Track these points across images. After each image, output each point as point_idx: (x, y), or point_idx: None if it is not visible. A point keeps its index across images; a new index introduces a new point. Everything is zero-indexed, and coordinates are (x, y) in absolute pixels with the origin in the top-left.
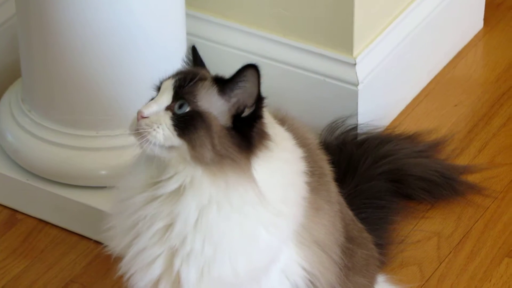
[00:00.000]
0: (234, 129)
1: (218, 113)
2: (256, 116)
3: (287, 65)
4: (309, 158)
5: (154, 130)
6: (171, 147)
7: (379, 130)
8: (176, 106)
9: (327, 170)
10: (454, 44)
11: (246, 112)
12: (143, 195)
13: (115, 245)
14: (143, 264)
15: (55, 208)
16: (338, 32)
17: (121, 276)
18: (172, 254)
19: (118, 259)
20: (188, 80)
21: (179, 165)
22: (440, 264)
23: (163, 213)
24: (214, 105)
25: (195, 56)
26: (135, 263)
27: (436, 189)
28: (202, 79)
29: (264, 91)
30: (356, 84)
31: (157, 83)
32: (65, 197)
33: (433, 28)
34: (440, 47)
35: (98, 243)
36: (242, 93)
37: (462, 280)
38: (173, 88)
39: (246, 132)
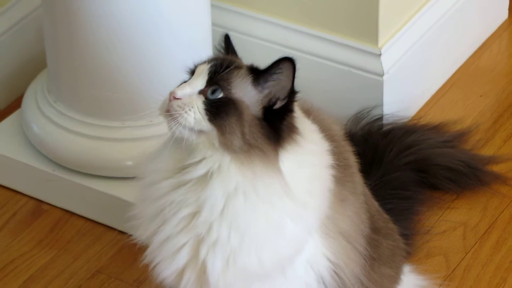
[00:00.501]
0: (265, 121)
1: (250, 103)
2: (288, 109)
3: (312, 55)
4: (335, 150)
5: (186, 112)
6: (200, 131)
7: (404, 120)
8: (209, 91)
9: (353, 161)
10: (479, 34)
11: (278, 105)
12: (169, 181)
13: (140, 233)
14: (169, 253)
15: (81, 199)
16: (363, 22)
17: (147, 266)
18: (198, 243)
19: (144, 248)
20: (224, 67)
21: (207, 150)
22: (466, 254)
23: (189, 199)
24: (247, 94)
25: (227, 45)
26: (161, 252)
27: (461, 179)
28: (238, 67)
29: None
30: (382, 75)
31: (192, 66)
32: (90, 188)
33: (457, 19)
34: (465, 37)
35: (124, 233)
36: (276, 85)
37: (488, 270)
38: (208, 73)
39: (276, 124)
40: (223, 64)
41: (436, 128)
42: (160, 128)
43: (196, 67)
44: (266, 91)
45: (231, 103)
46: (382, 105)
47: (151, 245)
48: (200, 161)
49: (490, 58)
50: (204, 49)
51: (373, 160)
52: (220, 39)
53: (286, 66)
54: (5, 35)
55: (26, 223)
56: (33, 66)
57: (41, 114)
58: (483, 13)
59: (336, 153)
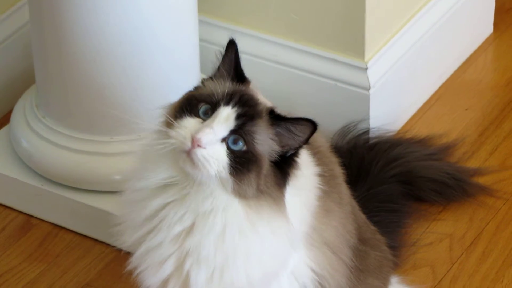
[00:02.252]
0: (276, 166)
1: (269, 154)
2: (297, 155)
3: (299, 70)
4: (320, 161)
5: (209, 165)
6: (218, 178)
7: (391, 134)
8: (231, 139)
9: (338, 172)
10: (464, 48)
11: (290, 152)
12: (163, 197)
13: (125, 239)
14: (155, 262)
15: (70, 213)
16: (350, 37)
17: (136, 280)
18: (184, 255)
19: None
20: (249, 118)
21: (216, 189)
22: (453, 265)
23: (186, 220)
24: (268, 147)
25: (233, 52)
26: (147, 260)
27: (447, 191)
28: (261, 116)
29: (276, 96)
30: (368, 89)
31: (207, 88)
32: (79, 202)
33: (443, 33)
34: (450, 51)
35: (112, 247)
36: (293, 140)
37: (474, 281)
38: (235, 125)
39: (284, 168)
40: (249, 114)
41: (422, 141)
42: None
43: (216, 102)
44: (283, 142)
45: (254, 159)
46: (368, 118)
47: (136, 252)
48: (207, 197)
49: (476, 72)
50: (192, 64)
51: (360, 173)
52: (225, 46)
53: (308, 129)
54: None
55: (15, 237)
56: (21, 82)
57: (30, 129)
58: (468, 27)
59: (321, 164)
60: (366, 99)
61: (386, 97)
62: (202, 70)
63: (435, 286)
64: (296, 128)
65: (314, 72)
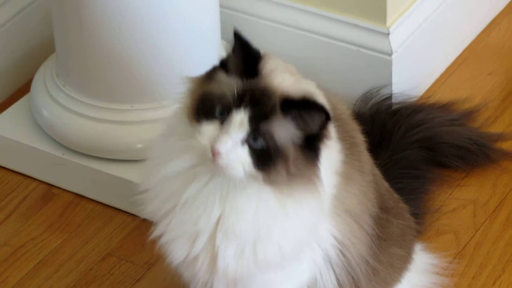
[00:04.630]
0: (307, 146)
1: (293, 141)
2: (324, 131)
3: (321, 35)
4: (341, 128)
5: (235, 168)
6: (248, 174)
7: (414, 99)
8: (251, 138)
9: (360, 140)
10: (487, 12)
11: (315, 131)
12: (195, 176)
13: (153, 208)
14: (184, 235)
15: (91, 182)
16: (371, 2)
17: (158, 250)
18: (216, 230)
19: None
20: (262, 117)
21: (248, 181)
22: (476, 231)
23: (220, 205)
24: (289, 137)
25: (240, 42)
26: (174, 231)
27: (470, 157)
28: (273, 112)
29: (298, 62)
30: (390, 54)
31: (220, 84)
32: (101, 171)
33: None
34: (473, 15)
35: (134, 216)
36: (309, 127)
37: (498, 247)
38: (250, 127)
39: (317, 145)
40: (261, 114)
41: (445, 107)
42: (169, 110)
43: (229, 105)
44: (303, 129)
45: (277, 151)
46: (391, 84)
47: (164, 222)
48: (239, 187)
49: (499, 36)
50: (212, 32)
51: (382, 139)
52: (232, 38)
53: (319, 118)
54: (13, 20)
55: (36, 207)
56: (41, 50)
57: (50, 98)
58: None
59: (342, 132)
60: (389, 65)
61: (408, 62)
62: (223, 36)
63: (459, 253)
64: (308, 119)
65: (336, 38)
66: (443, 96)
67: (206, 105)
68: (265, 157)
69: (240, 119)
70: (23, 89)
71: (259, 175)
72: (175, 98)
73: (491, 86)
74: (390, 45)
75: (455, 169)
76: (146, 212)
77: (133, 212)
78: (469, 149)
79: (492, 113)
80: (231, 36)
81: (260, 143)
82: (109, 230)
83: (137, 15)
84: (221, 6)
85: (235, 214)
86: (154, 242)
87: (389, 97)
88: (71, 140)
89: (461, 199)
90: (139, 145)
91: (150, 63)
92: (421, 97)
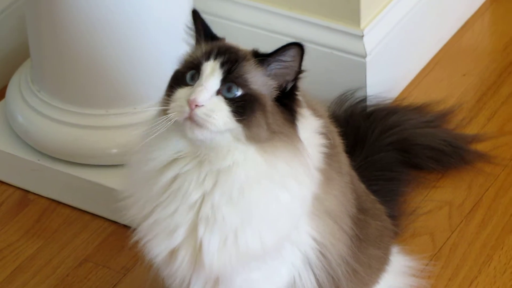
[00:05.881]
0: (280, 103)
1: (268, 91)
2: (296, 88)
3: (294, 38)
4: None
5: (214, 118)
6: (225, 131)
7: (388, 101)
8: (225, 89)
9: (338, 141)
10: (461, 14)
11: (289, 86)
12: (174, 169)
13: (133, 213)
14: (164, 230)
15: (67, 188)
16: (345, 4)
17: (134, 253)
18: (197, 222)
19: (131, 232)
20: (233, 62)
21: (231, 143)
22: (452, 233)
23: (207, 183)
24: (263, 85)
25: (197, 21)
26: (155, 229)
27: (444, 158)
28: (246, 58)
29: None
30: (364, 56)
31: (187, 58)
32: (76, 176)
33: None
34: (447, 17)
35: (110, 221)
36: (287, 70)
37: (474, 248)
38: (222, 73)
39: (289, 105)
40: (231, 59)
41: (419, 109)
42: (144, 115)
43: (198, 63)
44: (278, 77)
45: (253, 98)
46: (365, 86)
47: (144, 223)
48: (224, 155)
49: (473, 37)
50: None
51: (356, 142)
52: (189, 17)
53: (295, 51)
54: None
55: (12, 213)
56: (16, 57)
57: (25, 104)
58: None
59: (322, 133)
60: (363, 67)
61: (382, 64)
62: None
63: (435, 254)
64: (285, 56)
65: (310, 41)
66: (418, 98)
67: (177, 76)
68: (242, 105)
69: (211, 68)
70: None
71: (240, 129)
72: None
73: (465, 87)
74: (364, 47)
75: (430, 170)
76: (128, 216)
77: (109, 217)
78: (444, 150)
79: (467, 114)
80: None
81: (235, 91)
82: (86, 235)
83: (111, 19)
84: None
85: (221, 190)
86: (131, 247)
87: (364, 100)
88: (46, 146)
89: (436, 201)
90: (115, 150)
91: (124, 67)
92: (396, 99)
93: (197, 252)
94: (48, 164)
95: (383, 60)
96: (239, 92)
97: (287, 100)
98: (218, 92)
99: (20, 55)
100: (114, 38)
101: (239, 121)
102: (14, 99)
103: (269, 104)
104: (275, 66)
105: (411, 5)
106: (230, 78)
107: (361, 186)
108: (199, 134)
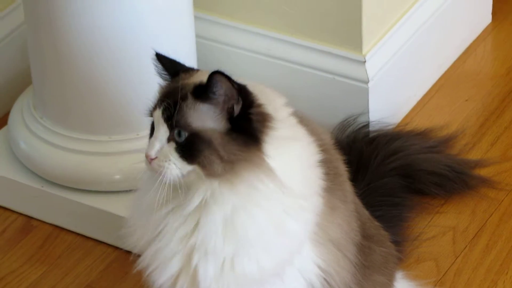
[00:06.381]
0: (236, 129)
1: (213, 124)
2: (247, 105)
3: (296, 64)
4: (325, 159)
5: (167, 168)
6: (188, 172)
7: (391, 127)
8: (175, 135)
9: (342, 170)
10: (463, 39)
11: (237, 109)
12: (165, 207)
13: (134, 241)
14: (163, 261)
15: (70, 214)
16: (347, 29)
17: (138, 279)
18: (191, 251)
19: (136, 259)
20: (172, 107)
21: (198, 182)
22: (456, 258)
23: (189, 222)
24: (206, 119)
25: (163, 62)
26: (155, 260)
27: (448, 184)
28: (184, 99)
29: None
30: (367, 82)
31: (150, 106)
32: (79, 203)
33: (441, 24)
34: (449, 42)
35: (114, 247)
36: (225, 96)
37: (478, 274)
38: (164, 121)
39: (247, 126)
40: (170, 104)
41: (422, 134)
42: (147, 141)
43: (151, 111)
44: (219, 106)
45: (197, 138)
46: (368, 112)
47: (146, 252)
48: (194, 193)
49: (475, 62)
50: (189, 61)
51: (359, 168)
52: (153, 61)
53: (219, 78)
54: None
55: (16, 239)
56: (18, 83)
57: (28, 130)
58: (467, 17)
59: (327, 162)
60: (365, 93)
61: (385, 90)
62: (199, 66)
63: (439, 280)
64: (215, 86)
65: (312, 66)
66: (420, 123)
67: (152, 125)
68: (189, 148)
69: (157, 116)
70: (0, 122)
71: (197, 169)
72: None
73: (468, 112)
74: (367, 73)
75: (433, 196)
76: (129, 243)
77: (113, 243)
78: (447, 176)
79: (470, 139)
80: (205, 65)
81: (182, 135)
82: (89, 261)
83: (113, 44)
84: (197, 36)
85: (204, 227)
86: (134, 273)
87: (366, 125)
88: (49, 172)
89: (440, 226)
90: (117, 176)
91: (127, 93)
92: (398, 125)
93: (194, 279)
94: (51, 191)
95: (385, 86)
96: (185, 135)
97: (242, 122)
98: (170, 139)
99: (22, 82)
100: (116, 64)
101: (191, 163)
102: (17, 126)
103: (216, 138)
104: (212, 97)
105: (413, 30)
106: (173, 124)
107: (365, 213)
108: (164, 180)
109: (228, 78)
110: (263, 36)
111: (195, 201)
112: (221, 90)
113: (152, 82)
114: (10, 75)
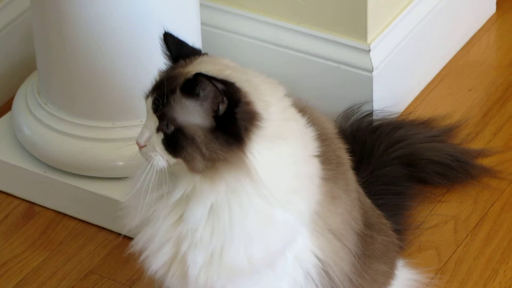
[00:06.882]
0: (220, 128)
1: (198, 121)
2: (233, 104)
3: (301, 52)
4: (327, 148)
5: (153, 157)
6: (174, 164)
7: (394, 116)
8: (164, 125)
9: (345, 159)
10: (467, 29)
11: (222, 108)
12: (156, 193)
13: (127, 223)
14: (156, 247)
15: (73, 200)
16: (352, 18)
17: (140, 265)
18: (180, 239)
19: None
20: (161, 99)
21: (185, 173)
22: (458, 247)
23: (175, 213)
24: (191, 115)
25: (169, 43)
26: (149, 245)
27: (450, 173)
28: (173, 91)
29: (278, 79)
30: (371, 70)
31: (146, 91)
32: (82, 189)
33: (446, 14)
34: (454, 32)
35: (116, 233)
36: (208, 97)
37: (479, 263)
38: (153, 112)
39: (232, 125)
40: (160, 95)
41: (425, 123)
42: None
43: (147, 95)
44: (204, 104)
45: (181, 133)
46: (371, 101)
47: (138, 236)
48: (178, 185)
49: (479, 52)
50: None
51: (362, 156)
52: (160, 41)
53: (201, 81)
54: None
55: (18, 225)
56: (23, 68)
57: (32, 116)
58: (471, 7)
59: (329, 151)
60: (369, 81)
61: (389, 79)
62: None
63: (440, 269)
64: (198, 89)
65: (317, 55)
66: (424, 112)
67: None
68: (174, 141)
69: (148, 105)
70: (4, 108)
71: (181, 162)
72: None
73: (471, 102)
74: (371, 62)
75: (436, 185)
76: (123, 225)
77: (115, 229)
78: (449, 165)
79: (473, 129)
80: (211, 53)
81: (170, 127)
82: (91, 247)
83: (119, 32)
84: (202, 23)
85: (188, 218)
86: (135, 259)
87: (370, 114)
88: (52, 158)
89: (442, 215)
90: (121, 163)
91: (132, 80)
92: (402, 114)
93: (184, 268)
94: (54, 177)
95: (389, 75)
96: (171, 128)
97: (227, 121)
98: (160, 129)
99: (26, 67)
100: (121, 51)
101: (175, 156)
102: (21, 111)
103: (199, 135)
104: (198, 94)
105: (418, 19)
106: (160, 115)
107: (367, 201)
108: (153, 168)
109: (211, 80)
110: (269, 25)
111: (177, 193)
112: (205, 91)
113: (157, 69)
114: (15, 60)
